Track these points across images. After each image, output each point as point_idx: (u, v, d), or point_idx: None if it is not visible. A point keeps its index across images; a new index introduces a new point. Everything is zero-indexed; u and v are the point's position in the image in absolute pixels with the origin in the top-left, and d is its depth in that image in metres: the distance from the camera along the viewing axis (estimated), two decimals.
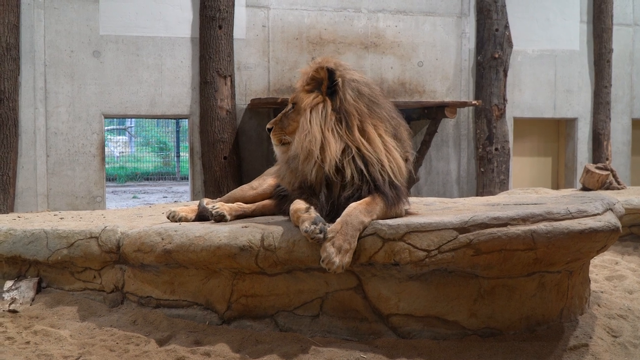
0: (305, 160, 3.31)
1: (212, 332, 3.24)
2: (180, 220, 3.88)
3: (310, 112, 3.34)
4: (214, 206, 3.77)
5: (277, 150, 3.62)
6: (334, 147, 3.25)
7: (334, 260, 2.95)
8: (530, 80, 10.01)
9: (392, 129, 3.42)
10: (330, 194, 3.33)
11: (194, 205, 4.08)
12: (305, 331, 3.20)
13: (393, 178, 3.32)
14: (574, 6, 10.14)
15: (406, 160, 3.50)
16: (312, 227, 3.01)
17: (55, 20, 8.25)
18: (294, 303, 3.25)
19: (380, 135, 3.34)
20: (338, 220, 3.08)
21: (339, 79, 3.35)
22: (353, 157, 3.27)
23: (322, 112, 3.32)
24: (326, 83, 3.36)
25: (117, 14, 8.44)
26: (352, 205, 3.16)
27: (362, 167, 3.26)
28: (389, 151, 3.34)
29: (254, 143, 8.81)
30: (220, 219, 3.69)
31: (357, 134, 3.29)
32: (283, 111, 3.60)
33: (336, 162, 3.25)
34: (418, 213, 3.58)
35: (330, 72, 3.34)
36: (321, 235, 3.00)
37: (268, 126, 3.60)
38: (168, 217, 3.94)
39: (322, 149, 3.26)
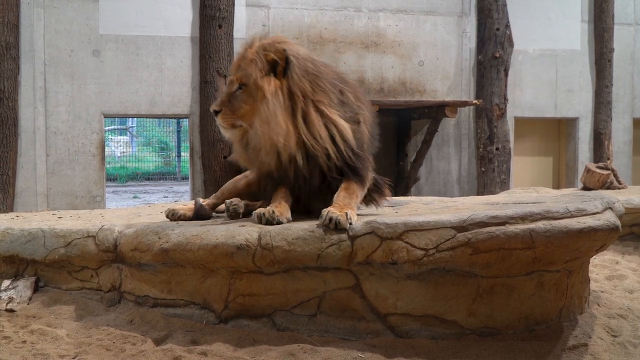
0: (269, 151, 3.29)
1: (209, 331, 3.22)
2: (179, 218, 3.88)
3: (273, 99, 3.26)
4: (231, 202, 3.71)
5: (228, 134, 3.51)
6: (294, 137, 3.24)
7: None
8: (531, 79, 9.99)
9: (336, 98, 3.34)
10: (297, 182, 3.37)
11: (192, 204, 4.07)
12: (302, 330, 3.19)
13: (345, 153, 3.30)
14: (575, 6, 10.12)
15: (358, 122, 3.41)
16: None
17: (55, 20, 8.24)
18: (291, 302, 3.23)
19: (322, 113, 3.27)
20: None
21: (292, 60, 3.28)
22: (303, 144, 3.26)
23: (282, 99, 3.26)
24: (283, 65, 3.28)
25: (117, 13, 8.43)
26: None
27: (312, 154, 3.27)
28: (336, 125, 3.27)
29: None
30: (235, 215, 3.68)
31: (300, 119, 3.25)
32: (227, 91, 3.46)
33: (291, 151, 3.25)
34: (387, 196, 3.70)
35: (284, 52, 3.28)
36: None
37: (215, 108, 3.43)
38: (167, 216, 3.94)
39: (287, 138, 3.23)
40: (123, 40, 8.44)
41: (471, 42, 9.69)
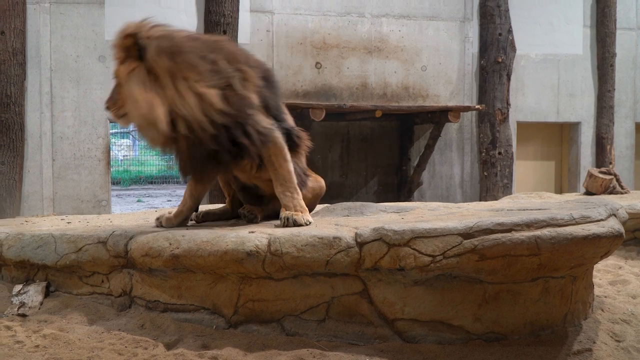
0: (144, 128, 3.39)
1: (219, 336, 3.27)
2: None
3: (128, 80, 3.37)
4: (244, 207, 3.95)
5: (126, 125, 3.66)
6: (161, 108, 3.31)
7: None
8: (533, 84, 10.04)
9: (206, 69, 3.37)
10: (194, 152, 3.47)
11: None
12: (311, 335, 3.24)
13: (221, 119, 3.37)
14: (577, 10, 10.17)
15: (230, 86, 3.43)
16: None
17: (61, 26, 8.30)
18: (300, 308, 3.28)
19: (190, 87, 3.33)
20: None
21: (143, 40, 3.35)
22: (183, 118, 3.34)
23: (137, 77, 3.34)
24: (134, 47, 3.36)
25: (122, 19, 8.38)
26: None
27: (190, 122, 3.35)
28: (202, 96, 3.33)
29: None
30: (253, 218, 3.91)
31: (169, 94, 3.32)
32: (113, 86, 3.60)
33: (166, 122, 3.32)
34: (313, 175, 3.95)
35: (135, 36, 3.35)
36: None
37: (105, 105, 3.60)
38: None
39: (152, 111, 3.31)
40: None
41: (474, 47, 9.74)
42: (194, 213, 4.16)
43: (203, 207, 4.68)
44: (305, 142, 3.96)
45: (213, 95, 3.35)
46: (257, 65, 3.65)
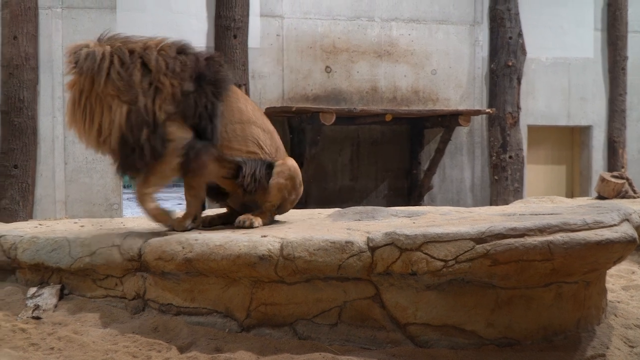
0: (78, 137, 3.80)
1: (232, 339, 3.29)
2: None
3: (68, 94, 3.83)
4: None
5: None
6: (80, 127, 3.72)
7: None
8: (544, 88, 10.01)
9: (122, 84, 3.58)
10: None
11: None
12: (323, 339, 3.25)
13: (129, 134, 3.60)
14: (588, 14, 10.14)
15: (135, 102, 3.59)
16: None
17: (72, 30, 8.35)
18: (312, 311, 3.29)
19: (107, 105, 3.60)
20: None
21: (72, 60, 3.66)
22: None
23: (71, 95, 3.77)
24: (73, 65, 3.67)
25: (133, 24, 8.53)
26: None
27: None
28: (112, 115, 3.59)
29: None
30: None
31: (87, 111, 3.66)
32: None
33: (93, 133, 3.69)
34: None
35: (72, 55, 3.65)
36: None
37: None
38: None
39: (75, 129, 3.77)
40: None
41: (484, 50, 9.73)
42: (202, 217, 4.20)
43: (211, 212, 4.72)
44: (206, 162, 3.85)
45: (121, 112, 3.60)
46: (182, 70, 3.72)
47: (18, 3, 7.95)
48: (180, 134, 3.70)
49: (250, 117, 4.00)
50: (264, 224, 4.02)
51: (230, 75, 4.00)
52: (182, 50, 3.82)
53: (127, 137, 3.59)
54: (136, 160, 3.65)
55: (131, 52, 3.67)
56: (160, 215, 3.85)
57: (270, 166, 4.05)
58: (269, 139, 4.08)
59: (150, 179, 3.76)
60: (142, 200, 3.79)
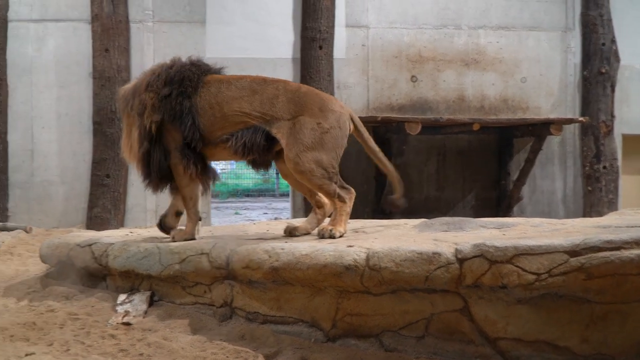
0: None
1: (317, 349, 3.28)
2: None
3: None
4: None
5: None
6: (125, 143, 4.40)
7: None
8: (639, 95, 9.59)
9: (135, 116, 4.15)
10: None
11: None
12: (410, 352, 3.20)
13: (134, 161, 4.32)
14: None
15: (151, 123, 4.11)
16: None
17: (163, 44, 8.63)
18: (398, 323, 3.25)
19: (130, 132, 4.27)
20: None
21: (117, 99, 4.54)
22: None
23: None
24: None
25: (222, 37, 8.74)
26: None
27: None
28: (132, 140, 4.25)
29: (354, 161, 8.85)
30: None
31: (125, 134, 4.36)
32: None
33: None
34: None
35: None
36: None
37: None
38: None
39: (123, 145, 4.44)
40: (228, 62, 8.63)
41: (576, 57, 9.43)
42: (286, 227, 4.33)
43: (295, 221, 4.75)
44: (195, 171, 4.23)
45: (134, 137, 4.20)
46: (156, 81, 4.16)
47: (109, 16, 8.29)
48: (171, 139, 4.15)
49: (225, 96, 4.13)
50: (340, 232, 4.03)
51: (198, 69, 4.24)
52: (167, 66, 4.25)
53: (144, 156, 4.16)
54: (151, 173, 4.18)
55: (140, 80, 4.28)
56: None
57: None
58: (247, 103, 4.12)
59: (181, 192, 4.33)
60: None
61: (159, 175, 4.16)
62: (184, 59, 4.25)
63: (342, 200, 4.03)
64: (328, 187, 4.00)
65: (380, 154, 4.28)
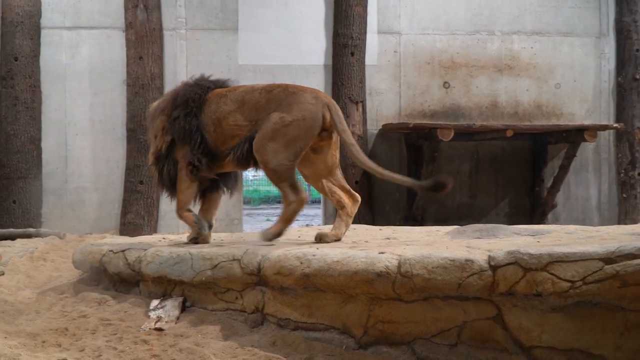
0: None
1: (349, 356, 3.27)
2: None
3: None
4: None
5: None
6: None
7: None
8: None
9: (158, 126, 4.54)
10: None
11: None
12: None
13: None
14: None
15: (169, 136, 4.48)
16: None
17: (196, 52, 8.72)
18: (431, 331, 3.22)
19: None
20: None
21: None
22: None
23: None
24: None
25: (254, 45, 8.80)
26: None
27: None
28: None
29: (385, 167, 8.82)
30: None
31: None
32: None
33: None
34: None
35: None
36: None
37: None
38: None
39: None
40: (260, 69, 8.78)
41: (610, 63, 9.31)
42: (317, 234, 4.40)
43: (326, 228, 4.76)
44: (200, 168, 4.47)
45: (152, 148, 4.57)
46: (166, 104, 4.51)
47: (142, 24, 8.38)
48: (180, 154, 4.44)
49: (222, 111, 4.35)
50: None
51: (200, 88, 4.46)
52: (177, 90, 4.59)
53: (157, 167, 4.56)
54: (163, 179, 4.51)
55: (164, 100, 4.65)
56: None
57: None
58: (240, 114, 4.31)
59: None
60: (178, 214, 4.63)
61: (170, 186, 4.59)
62: (192, 80, 4.51)
63: (289, 201, 4.27)
64: (278, 180, 4.28)
65: (355, 148, 4.38)
